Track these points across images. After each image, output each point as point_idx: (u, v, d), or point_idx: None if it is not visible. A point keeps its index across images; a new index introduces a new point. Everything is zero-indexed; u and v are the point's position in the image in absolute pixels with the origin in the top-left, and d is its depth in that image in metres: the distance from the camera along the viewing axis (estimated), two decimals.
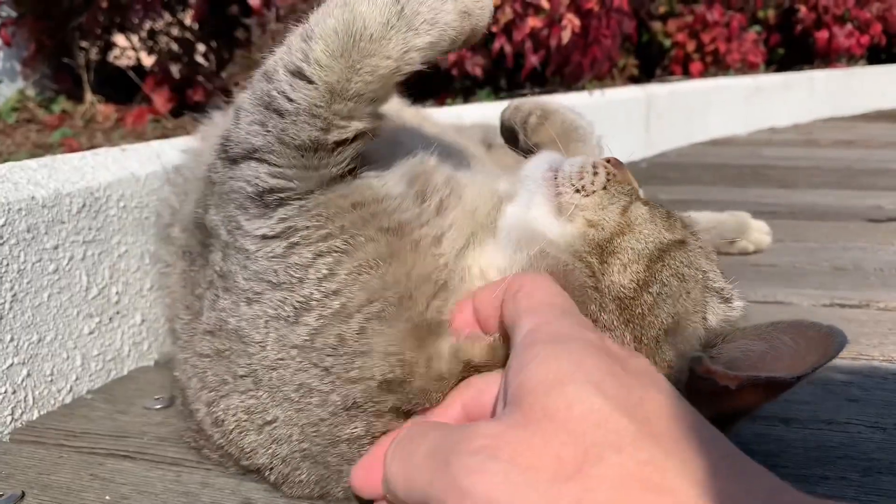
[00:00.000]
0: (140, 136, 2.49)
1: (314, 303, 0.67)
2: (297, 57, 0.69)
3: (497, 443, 0.50)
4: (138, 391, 1.06)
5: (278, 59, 0.71)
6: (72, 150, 2.09)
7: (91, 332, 1.08)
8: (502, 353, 0.65)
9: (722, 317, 0.70)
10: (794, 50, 4.27)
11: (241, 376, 0.72)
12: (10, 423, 0.96)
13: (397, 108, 1.11)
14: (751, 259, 1.47)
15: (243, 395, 0.72)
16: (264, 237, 0.70)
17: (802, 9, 4.03)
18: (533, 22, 2.47)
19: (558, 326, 0.57)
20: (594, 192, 0.72)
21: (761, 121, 3.42)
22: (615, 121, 2.77)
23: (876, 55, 4.42)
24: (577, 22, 2.47)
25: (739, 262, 1.47)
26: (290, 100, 0.68)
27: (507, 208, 0.77)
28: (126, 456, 0.87)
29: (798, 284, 1.31)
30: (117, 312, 1.13)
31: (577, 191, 0.72)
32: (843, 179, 2.24)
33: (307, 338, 0.67)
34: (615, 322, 0.66)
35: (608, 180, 0.73)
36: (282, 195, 0.70)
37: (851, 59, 4.24)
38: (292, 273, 0.68)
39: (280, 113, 0.69)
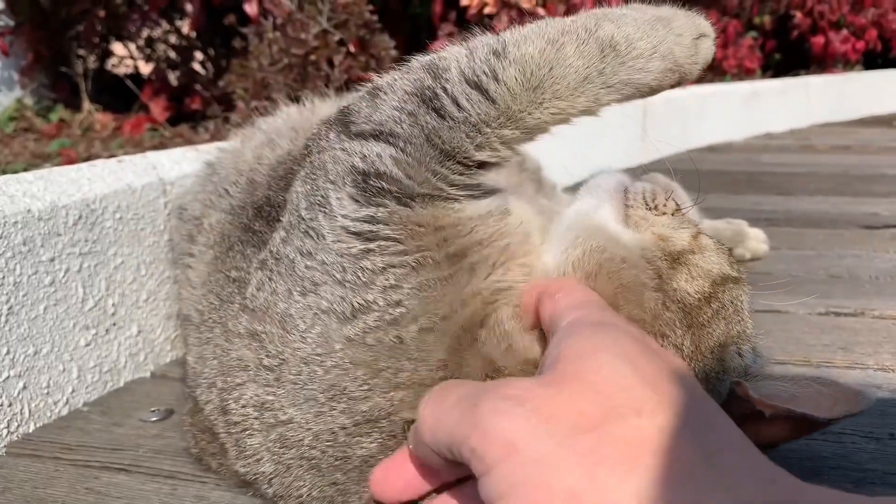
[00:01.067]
0: (138, 145, 2.49)
1: (375, 308, 0.66)
2: (483, 70, 0.68)
3: (526, 395, 0.52)
4: (134, 403, 1.06)
5: (453, 61, 0.71)
6: (69, 160, 2.10)
7: (87, 344, 1.08)
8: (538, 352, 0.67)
9: (751, 360, 0.71)
10: (790, 55, 4.28)
11: (265, 367, 0.69)
12: (6, 436, 0.96)
13: None
14: (747, 267, 1.48)
15: (260, 389, 0.70)
16: (345, 229, 0.68)
17: (798, 14, 4.04)
18: None
19: (601, 316, 0.60)
20: (664, 213, 0.73)
21: (758, 126, 3.43)
22: (612, 127, 2.78)
23: (871, 60, 4.44)
24: None
25: None
26: (460, 108, 0.68)
27: (567, 210, 0.76)
28: (121, 469, 0.87)
29: (794, 293, 1.32)
30: (113, 324, 1.13)
31: (649, 208, 0.74)
32: (839, 186, 2.25)
33: (360, 334, 0.66)
34: (676, 322, 0.67)
35: (677, 209, 0.74)
36: (387, 186, 0.67)
37: (847, 64, 4.25)
38: (360, 275, 0.66)
39: (441, 114, 0.68)
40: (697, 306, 0.68)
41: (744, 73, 3.74)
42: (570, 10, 2.47)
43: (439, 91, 0.69)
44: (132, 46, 3.11)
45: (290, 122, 1.05)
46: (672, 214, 0.73)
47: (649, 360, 0.55)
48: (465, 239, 0.69)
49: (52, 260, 1.03)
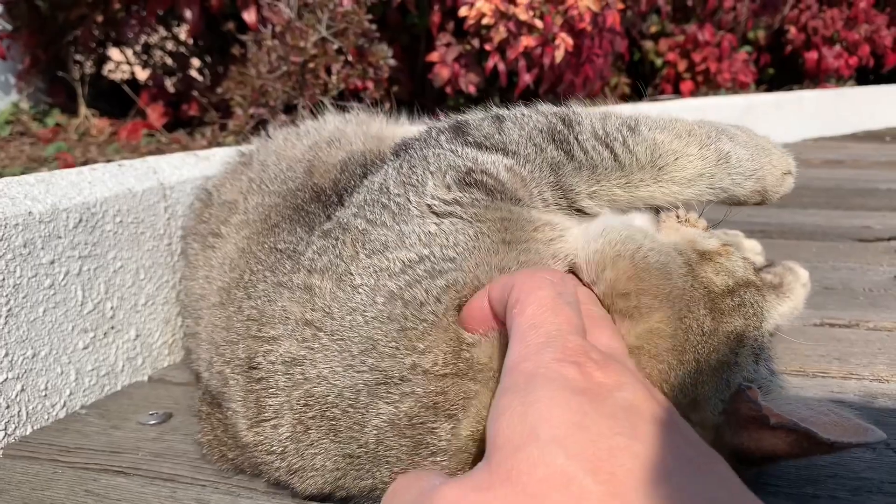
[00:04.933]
0: (134, 151, 2.49)
1: (426, 260, 0.71)
2: (615, 136, 0.82)
3: None
4: (132, 406, 1.06)
5: (586, 118, 0.84)
6: (66, 164, 2.10)
7: (85, 347, 1.08)
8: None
9: (767, 377, 0.74)
10: (784, 70, 4.32)
11: (307, 321, 0.72)
12: (4, 438, 0.96)
13: (378, 127, 1.14)
14: None
15: (294, 345, 0.72)
16: (429, 207, 0.75)
17: (792, 29, 4.08)
18: (526, 41, 2.49)
19: (536, 364, 0.55)
20: (696, 227, 0.80)
21: None
22: None
23: (864, 76, 4.48)
24: (570, 41, 2.49)
25: None
26: (588, 157, 0.80)
27: (603, 217, 0.82)
28: (120, 472, 0.87)
29: None
30: (112, 327, 1.13)
31: (680, 221, 0.81)
32: (832, 199, 2.26)
33: (403, 286, 0.69)
34: (701, 302, 0.70)
35: (708, 228, 0.82)
36: (488, 181, 0.76)
37: (840, 79, 4.29)
38: (422, 238, 0.72)
39: (570, 156, 0.81)
40: (721, 295, 0.72)
41: (738, 87, 3.77)
42: (567, 22, 2.48)
43: (571, 139, 0.82)
44: (129, 52, 3.11)
45: (352, 129, 1.11)
46: (704, 229, 0.81)
47: (583, 430, 0.50)
48: (522, 233, 0.74)
49: (51, 262, 1.03)
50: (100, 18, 2.93)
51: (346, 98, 2.48)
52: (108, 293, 1.13)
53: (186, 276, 1.07)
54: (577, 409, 0.51)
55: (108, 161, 2.35)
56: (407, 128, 1.18)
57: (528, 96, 2.90)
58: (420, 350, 0.66)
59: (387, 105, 2.82)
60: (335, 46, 2.31)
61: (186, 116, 2.76)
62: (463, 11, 2.54)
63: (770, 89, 4.09)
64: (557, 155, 0.80)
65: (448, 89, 2.70)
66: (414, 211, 0.75)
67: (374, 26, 2.39)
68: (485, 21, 2.48)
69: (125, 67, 3.21)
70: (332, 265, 0.73)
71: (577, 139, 0.82)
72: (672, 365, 0.66)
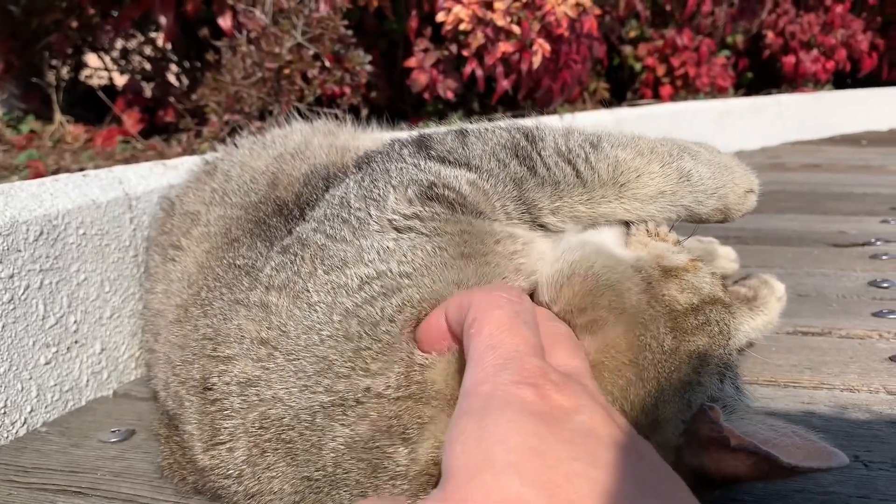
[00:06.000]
0: (109, 158, 2.46)
1: (383, 277, 0.70)
2: (577, 153, 0.82)
3: None
4: (95, 423, 1.03)
5: (549, 135, 0.84)
6: (37, 172, 2.06)
7: (47, 363, 1.06)
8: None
9: (733, 395, 0.74)
10: (762, 74, 4.34)
11: (262, 340, 0.70)
12: None
13: (349, 136, 1.14)
14: None
15: (250, 364, 0.70)
16: (390, 222, 0.74)
17: (770, 34, 4.10)
18: (504, 47, 2.48)
19: (493, 387, 0.54)
20: (665, 241, 0.80)
21: (730, 144, 3.46)
22: None
23: (841, 80, 4.51)
24: (547, 47, 2.49)
25: None
26: (551, 173, 0.81)
27: (568, 235, 0.82)
28: (78, 492, 0.85)
29: None
30: (75, 342, 1.11)
31: (650, 235, 0.80)
32: (808, 204, 2.27)
33: (359, 304, 0.68)
34: (661, 320, 0.70)
35: (678, 242, 0.81)
36: (450, 196, 0.76)
37: (818, 83, 4.32)
38: (381, 254, 0.71)
39: (533, 171, 0.81)
40: (684, 313, 0.71)
41: (717, 91, 3.78)
42: (545, 28, 2.48)
43: (534, 155, 0.82)
44: (106, 58, 3.08)
45: (318, 140, 1.09)
46: (674, 243, 0.80)
47: (540, 457, 0.49)
48: (483, 246, 0.73)
49: (11, 276, 1.00)
50: (74, 24, 2.90)
51: (323, 104, 2.47)
52: (72, 307, 1.11)
53: (147, 288, 1.06)
54: (533, 434, 0.50)
55: (81, 169, 2.32)
56: (376, 137, 1.17)
57: (507, 101, 2.90)
58: (373, 372, 0.65)
59: (364, 111, 2.81)
60: (311, 52, 2.29)
61: (163, 122, 2.73)
62: (440, 17, 2.53)
63: (748, 93, 4.11)
64: (520, 170, 0.80)
65: (426, 95, 2.69)
66: (374, 226, 0.74)
67: (350, 32, 2.37)
68: (462, 27, 2.47)
69: (102, 73, 3.18)
70: (290, 282, 0.72)
71: (539, 155, 0.82)
72: (631, 381, 0.66)
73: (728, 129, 3.47)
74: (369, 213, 0.75)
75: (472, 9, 2.47)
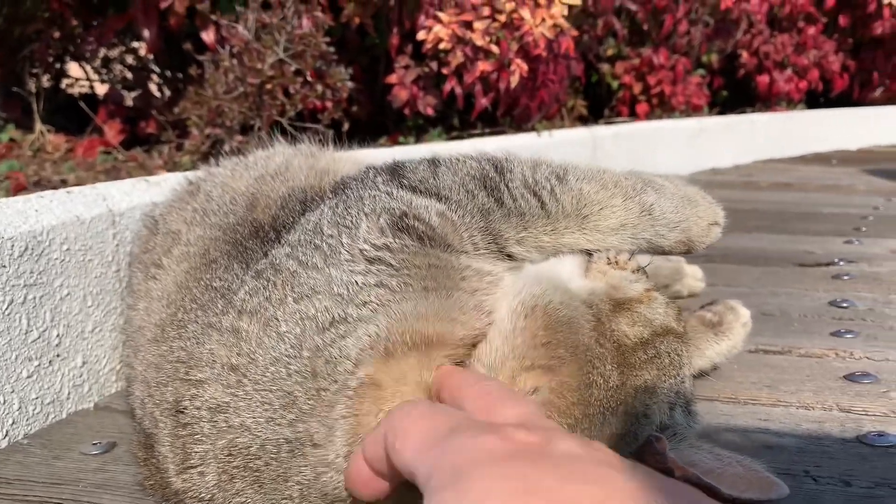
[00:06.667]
0: (90, 168, 2.47)
1: (348, 320, 0.72)
2: (543, 185, 0.85)
3: None
4: (76, 436, 1.06)
5: (518, 167, 0.88)
6: (17, 183, 2.07)
7: (30, 376, 1.08)
8: None
9: (682, 422, 0.77)
10: (737, 93, 4.43)
11: (232, 366, 0.73)
12: None
13: (312, 154, 1.17)
14: (682, 303, 1.53)
15: (220, 390, 0.73)
16: (361, 252, 0.76)
17: (744, 54, 4.18)
18: (483, 66, 2.53)
19: (453, 454, 0.52)
20: (624, 270, 0.83)
21: (704, 162, 3.54)
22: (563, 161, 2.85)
23: (814, 99, 4.61)
24: (525, 67, 2.54)
25: None
26: (517, 204, 0.84)
27: (528, 264, 0.85)
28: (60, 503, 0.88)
29: None
30: (57, 355, 1.13)
31: (609, 263, 0.83)
32: (777, 223, 2.33)
33: (326, 344, 0.70)
34: (608, 358, 0.73)
35: (639, 269, 0.84)
36: (420, 227, 0.78)
37: (791, 102, 4.41)
38: (349, 289, 0.73)
39: (500, 203, 0.84)
40: (632, 348, 0.75)
41: (692, 110, 3.85)
42: (523, 48, 2.53)
43: (502, 186, 0.85)
44: (88, 68, 3.09)
45: (298, 162, 1.12)
46: (632, 271, 0.83)
47: (545, 487, 0.47)
48: (448, 281, 0.75)
49: None
50: (57, 34, 2.91)
51: (304, 118, 2.50)
52: (55, 321, 1.13)
53: (130, 305, 1.08)
54: (516, 475, 0.48)
55: (63, 181, 2.33)
56: (357, 158, 1.20)
57: (486, 117, 2.95)
58: (328, 425, 0.68)
59: (346, 125, 2.85)
60: (292, 68, 2.33)
61: (144, 134, 2.75)
62: (421, 35, 2.57)
63: (723, 112, 4.19)
64: (488, 201, 0.83)
65: (406, 111, 2.73)
66: (345, 255, 0.76)
67: (331, 49, 2.41)
68: (442, 46, 2.52)
69: (84, 82, 3.19)
70: (261, 308, 0.75)
71: (507, 186, 0.85)
72: (578, 419, 0.69)
73: (702, 147, 3.54)
74: (341, 242, 0.77)
75: (451, 28, 2.52)
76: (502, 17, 2.56)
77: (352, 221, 0.80)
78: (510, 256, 0.85)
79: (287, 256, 0.80)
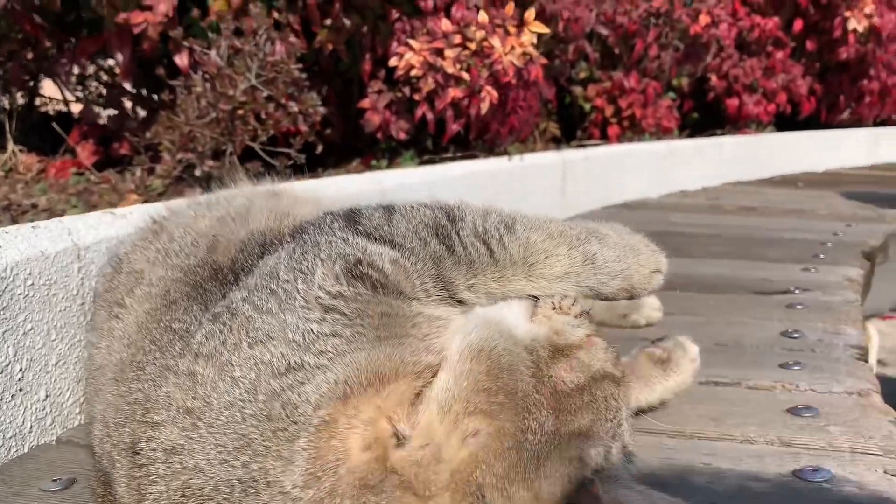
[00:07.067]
0: (62, 190, 2.48)
1: (305, 367, 0.75)
2: (493, 234, 0.91)
3: None
4: (37, 471, 1.07)
5: (469, 215, 0.92)
6: None
7: None
8: None
9: (620, 466, 0.80)
10: (707, 115, 4.51)
11: (187, 410, 0.76)
12: None
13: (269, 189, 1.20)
14: (640, 333, 1.57)
15: (175, 432, 0.75)
16: (316, 299, 0.79)
17: (713, 77, 4.28)
18: (454, 92, 2.57)
19: None
20: (567, 314, 0.86)
21: (673, 184, 3.60)
22: (534, 185, 2.90)
23: (783, 122, 4.71)
24: (494, 94, 2.59)
25: (629, 335, 1.56)
26: (467, 252, 0.89)
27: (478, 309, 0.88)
28: None
29: None
30: (20, 389, 1.15)
31: (554, 309, 0.87)
32: (738, 249, 2.39)
33: (282, 389, 0.74)
34: (544, 404, 0.76)
35: (582, 314, 0.88)
36: (374, 275, 0.82)
37: (760, 125, 4.51)
38: (305, 337, 0.77)
39: (451, 251, 0.88)
40: (568, 394, 0.78)
41: (662, 132, 3.92)
42: (493, 75, 2.58)
43: (453, 234, 0.90)
44: (63, 88, 3.10)
45: (260, 203, 1.15)
46: (575, 316, 0.87)
47: None
48: (400, 329, 0.79)
49: None
50: (30, 55, 2.92)
51: (278, 142, 2.53)
52: (17, 355, 1.15)
53: (92, 342, 1.10)
54: None
55: (33, 204, 2.33)
56: (317, 199, 1.23)
57: (459, 141, 2.99)
58: (286, 457, 0.71)
59: (319, 148, 2.88)
60: (264, 94, 2.36)
61: (118, 155, 2.75)
62: (393, 62, 2.61)
63: (693, 134, 4.27)
64: (440, 249, 0.88)
65: (379, 135, 2.77)
66: (300, 301, 0.79)
67: (303, 75, 2.44)
68: (413, 73, 2.56)
69: (58, 101, 3.19)
70: (217, 352, 0.78)
71: (458, 235, 0.89)
72: (513, 463, 0.72)
73: (671, 170, 3.61)
74: (297, 288, 0.81)
75: (423, 55, 2.56)
76: (473, 45, 2.60)
77: (307, 267, 0.83)
78: (461, 302, 0.89)
79: (243, 301, 0.83)
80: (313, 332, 0.77)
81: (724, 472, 1.04)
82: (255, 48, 2.34)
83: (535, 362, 0.78)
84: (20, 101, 3.10)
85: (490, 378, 0.76)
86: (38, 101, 3.29)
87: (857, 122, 4.95)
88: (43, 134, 3.07)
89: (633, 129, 3.88)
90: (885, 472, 1.02)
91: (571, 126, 4.02)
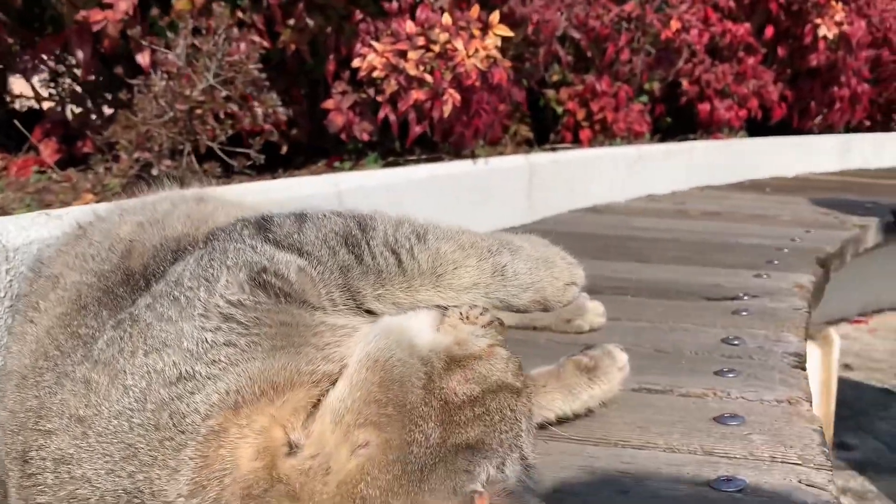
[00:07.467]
0: (22, 188, 2.46)
1: (197, 378, 0.75)
2: (403, 243, 0.91)
3: None
4: None
5: (381, 225, 0.93)
6: None
7: None
8: None
9: (517, 478, 0.79)
10: (679, 120, 4.53)
11: (79, 418, 0.75)
12: None
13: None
14: (582, 338, 1.58)
15: (66, 441, 0.75)
16: (217, 307, 0.78)
17: (685, 82, 4.29)
18: (417, 94, 2.57)
19: None
20: (474, 324, 0.86)
21: (642, 188, 3.61)
22: (499, 188, 2.90)
23: (756, 127, 4.73)
24: (457, 96, 2.58)
25: (571, 340, 1.57)
26: (375, 262, 0.89)
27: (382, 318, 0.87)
28: None
29: None
30: None
31: (461, 318, 0.86)
32: (695, 255, 2.40)
33: (172, 398, 0.73)
34: (432, 416, 0.76)
35: (490, 323, 0.87)
36: (278, 284, 0.82)
37: (732, 130, 4.53)
38: (199, 346, 0.76)
39: (360, 260, 0.89)
40: (459, 406, 0.77)
41: (633, 136, 3.93)
42: (456, 78, 2.58)
43: (363, 244, 0.90)
44: (35, 81, 3.08)
45: (181, 209, 1.14)
46: (482, 326, 0.86)
47: None
48: (299, 338, 0.79)
49: None
50: None
51: (244, 140, 2.52)
52: None
53: (6, 346, 1.09)
54: None
55: None
56: (242, 205, 1.22)
57: (426, 143, 2.99)
58: (172, 467, 0.71)
59: (284, 148, 2.87)
60: (223, 94, 2.35)
61: (81, 154, 2.74)
62: (356, 63, 2.61)
63: (665, 138, 4.28)
64: (348, 258, 0.88)
65: (343, 136, 2.77)
66: (199, 309, 0.79)
67: (263, 75, 2.43)
68: (375, 74, 2.56)
69: (29, 98, 3.17)
70: (113, 360, 0.77)
71: (368, 244, 0.90)
72: (397, 475, 0.72)
73: (641, 175, 3.62)
74: (198, 295, 0.80)
75: (385, 57, 2.56)
76: (436, 48, 2.60)
77: (213, 274, 0.83)
78: (370, 312, 0.89)
79: (146, 307, 0.82)
80: (208, 342, 0.76)
81: (639, 481, 1.04)
82: (214, 47, 2.33)
83: (428, 373, 0.78)
84: None
85: (381, 389, 0.76)
86: (8, 100, 3.26)
87: (828, 128, 4.98)
88: (9, 132, 3.05)
89: (604, 133, 3.89)
90: (800, 481, 1.03)
91: (545, 130, 4.03)
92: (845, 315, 4.52)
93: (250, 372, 0.75)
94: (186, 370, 0.75)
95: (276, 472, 0.72)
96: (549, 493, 0.99)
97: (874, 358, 4.07)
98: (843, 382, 3.61)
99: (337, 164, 2.88)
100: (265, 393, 0.75)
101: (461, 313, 0.88)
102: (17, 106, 3.40)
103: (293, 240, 0.89)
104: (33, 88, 3.14)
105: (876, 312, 4.63)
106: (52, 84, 3.11)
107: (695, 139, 4.34)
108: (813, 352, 2.91)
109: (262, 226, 0.91)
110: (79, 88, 2.96)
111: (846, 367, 3.92)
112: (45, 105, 3.11)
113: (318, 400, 0.78)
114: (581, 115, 3.90)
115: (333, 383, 0.79)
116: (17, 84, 3.30)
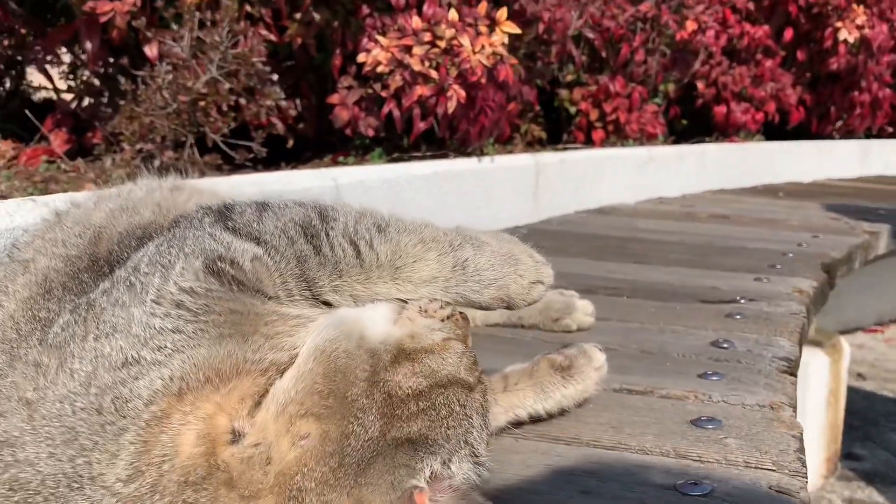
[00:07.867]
0: (29, 177, 2.49)
1: (142, 363, 0.75)
2: (363, 235, 0.90)
3: None
4: None
5: (342, 216, 0.92)
6: None
7: None
8: None
9: (465, 475, 0.78)
10: (695, 122, 4.48)
11: (26, 401, 0.76)
12: None
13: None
14: (569, 337, 1.56)
15: (12, 423, 0.75)
16: (170, 293, 0.78)
17: (701, 84, 4.24)
18: (421, 90, 2.56)
19: None
20: (432, 318, 0.85)
21: (652, 190, 3.58)
22: (505, 187, 2.88)
23: (773, 131, 4.67)
24: (462, 93, 2.57)
25: (559, 338, 1.55)
26: (334, 253, 0.88)
27: (341, 309, 0.87)
28: None
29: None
30: None
31: (419, 311, 0.86)
32: (696, 257, 2.37)
33: (115, 384, 0.74)
34: (374, 410, 0.75)
35: (450, 317, 0.86)
36: (232, 272, 0.81)
37: (748, 133, 4.47)
38: (146, 332, 0.76)
39: (318, 251, 0.88)
40: (403, 400, 0.76)
41: (646, 138, 3.90)
42: (461, 74, 2.57)
43: (322, 234, 0.89)
44: (55, 73, 3.12)
45: (153, 197, 1.14)
46: (441, 320, 0.85)
47: None
48: (249, 327, 0.79)
49: None
50: (6, 42, 2.94)
51: (249, 132, 2.53)
52: None
53: None
54: None
55: None
56: (215, 193, 1.22)
57: (433, 139, 2.98)
58: (112, 451, 0.71)
59: (290, 142, 2.87)
60: (227, 86, 2.36)
61: (91, 144, 2.76)
62: (361, 58, 2.61)
63: (680, 141, 4.24)
64: (306, 249, 0.87)
65: (348, 131, 2.77)
66: (152, 295, 0.79)
67: (267, 68, 2.44)
68: (380, 69, 2.56)
69: (47, 88, 3.21)
70: (64, 343, 0.78)
71: (327, 235, 0.89)
72: (333, 468, 0.71)
73: (651, 176, 3.58)
74: (152, 282, 0.80)
75: (391, 52, 2.56)
76: (442, 44, 2.59)
77: (169, 261, 0.83)
78: (327, 304, 0.88)
79: (103, 293, 0.83)
80: (155, 328, 0.76)
81: (604, 482, 1.02)
82: (218, 40, 2.33)
83: (374, 366, 0.77)
84: (7, 87, 3.12)
85: (325, 380, 0.75)
86: (25, 89, 3.31)
87: (848, 133, 4.90)
88: (26, 122, 3.09)
89: (617, 134, 3.85)
90: (770, 487, 1.01)
91: (558, 130, 4.00)
92: (861, 324, 4.45)
93: (195, 359, 0.75)
94: (132, 355, 0.75)
95: (215, 459, 0.72)
96: (511, 491, 0.98)
97: (888, 368, 4.00)
98: (854, 392, 3.56)
99: (341, 159, 2.88)
100: (210, 380, 0.75)
101: (420, 307, 0.87)
102: (35, 97, 3.44)
103: (252, 228, 0.89)
104: (50, 79, 3.18)
105: (893, 322, 4.55)
106: (72, 76, 3.15)
107: (710, 142, 4.29)
108: (821, 360, 2.87)
109: (224, 214, 0.91)
110: (96, 81, 2.98)
111: (859, 376, 3.86)
112: (67, 97, 3.15)
113: (267, 389, 0.77)
114: (594, 115, 3.87)
115: (282, 373, 0.78)
116: (37, 76, 3.35)
